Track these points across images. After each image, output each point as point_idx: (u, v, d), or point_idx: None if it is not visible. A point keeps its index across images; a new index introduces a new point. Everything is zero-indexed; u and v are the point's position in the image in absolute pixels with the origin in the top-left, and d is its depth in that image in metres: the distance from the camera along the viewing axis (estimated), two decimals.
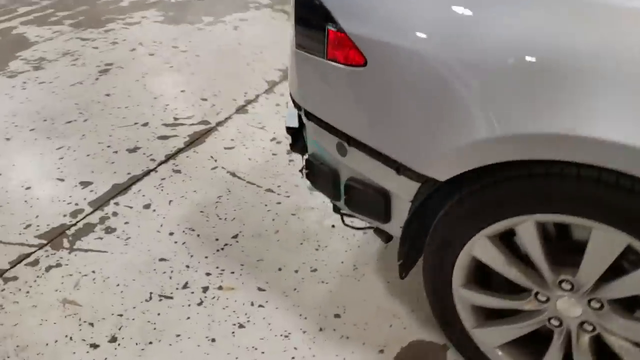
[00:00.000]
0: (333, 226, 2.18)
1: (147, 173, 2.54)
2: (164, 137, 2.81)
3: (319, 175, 1.67)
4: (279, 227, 2.20)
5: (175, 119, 2.97)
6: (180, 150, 2.70)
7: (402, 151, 1.33)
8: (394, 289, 1.88)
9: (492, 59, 1.10)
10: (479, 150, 1.16)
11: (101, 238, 2.17)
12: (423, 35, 1.20)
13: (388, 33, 1.26)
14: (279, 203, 2.33)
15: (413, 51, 1.21)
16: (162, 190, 2.43)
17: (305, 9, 1.43)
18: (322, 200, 2.31)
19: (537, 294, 1.31)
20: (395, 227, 1.55)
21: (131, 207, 2.33)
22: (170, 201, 2.36)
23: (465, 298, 1.43)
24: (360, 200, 1.57)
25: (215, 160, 2.62)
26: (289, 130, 1.78)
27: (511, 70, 1.09)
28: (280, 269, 2.00)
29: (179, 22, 4.26)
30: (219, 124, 2.92)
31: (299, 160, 2.58)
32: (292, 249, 2.09)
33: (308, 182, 1.77)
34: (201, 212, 2.30)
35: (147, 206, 2.34)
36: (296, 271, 1.98)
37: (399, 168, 1.36)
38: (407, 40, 1.22)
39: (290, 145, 1.82)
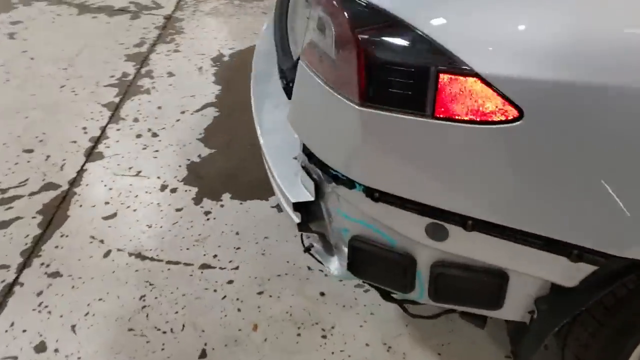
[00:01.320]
0: (322, 294, 1.67)
1: (9, 291, 1.70)
2: (1, 225, 1.92)
3: (377, 263, 1.17)
4: (252, 318, 1.61)
5: (2, 190, 2.06)
6: (39, 240, 1.86)
7: (595, 233, 0.92)
8: None
9: None
10: None
11: None
12: None
13: (574, 68, 0.81)
14: (231, 282, 1.72)
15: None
16: (48, 313, 1.63)
17: (389, 46, 0.89)
18: (285, 260, 1.77)
19: None
20: (509, 312, 1.14)
21: (16, 358, 1.52)
22: (73, 326, 1.60)
23: None
24: (459, 288, 1.13)
25: (102, 242, 1.86)
26: (299, 206, 1.22)
27: None
28: None
29: None
30: (73, 183, 2.10)
31: (219, 210, 1.96)
32: (291, 346, 1.54)
33: (337, 271, 1.26)
34: (130, 330, 1.59)
35: (40, 347, 1.54)
36: None
37: (574, 253, 0.94)
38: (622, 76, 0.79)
39: (300, 225, 1.25)
